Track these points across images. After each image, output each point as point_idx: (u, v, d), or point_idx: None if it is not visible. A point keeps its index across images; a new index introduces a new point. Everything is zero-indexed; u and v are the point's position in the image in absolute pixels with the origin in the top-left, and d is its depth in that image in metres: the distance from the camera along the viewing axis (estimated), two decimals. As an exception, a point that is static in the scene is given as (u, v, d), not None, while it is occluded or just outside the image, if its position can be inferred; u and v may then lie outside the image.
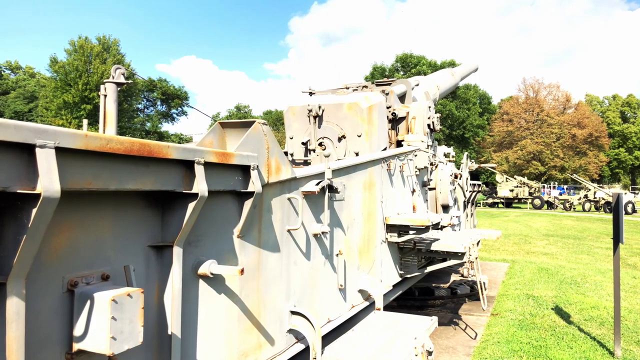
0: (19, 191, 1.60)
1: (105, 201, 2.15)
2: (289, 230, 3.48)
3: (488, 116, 68.00)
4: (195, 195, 2.37)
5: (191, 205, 2.37)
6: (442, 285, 8.96)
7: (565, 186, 63.34)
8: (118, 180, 2.00)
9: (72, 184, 1.80)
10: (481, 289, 6.97)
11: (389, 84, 8.43)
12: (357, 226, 4.78)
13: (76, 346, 1.97)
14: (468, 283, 9.30)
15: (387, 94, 7.46)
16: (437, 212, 7.94)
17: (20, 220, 1.65)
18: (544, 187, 56.50)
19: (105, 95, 4.80)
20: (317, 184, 3.69)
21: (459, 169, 11.15)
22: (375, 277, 5.26)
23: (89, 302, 1.94)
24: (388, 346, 3.69)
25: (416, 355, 3.64)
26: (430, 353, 4.03)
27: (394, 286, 6.24)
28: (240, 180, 2.80)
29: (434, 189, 7.90)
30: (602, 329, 7.07)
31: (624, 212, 6.11)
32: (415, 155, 6.91)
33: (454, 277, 9.74)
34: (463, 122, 60.81)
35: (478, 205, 50.06)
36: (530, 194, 48.62)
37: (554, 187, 58.37)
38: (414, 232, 5.77)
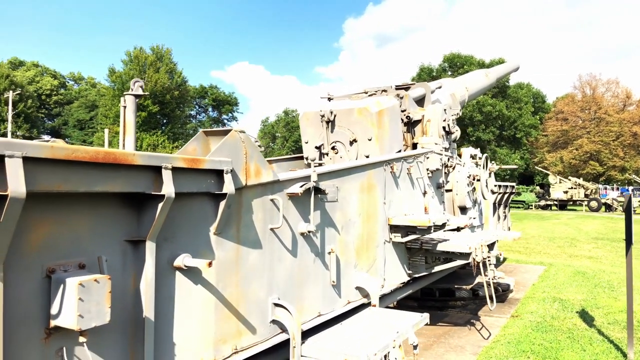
0: (-7, 193, 1.98)
1: (83, 201, 2.52)
2: (272, 229, 3.77)
3: (542, 115, 65.76)
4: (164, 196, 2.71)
5: (160, 205, 2.71)
6: (464, 286, 8.99)
7: (631, 187, 60.11)
8: (87, 183, 2.36)
9: (42, 187, 2.17)
10: (489, 289, 6.98)
11: (408, 88, 8.59)
12: (353, 226, 5.01)
13: (52, 323, 2.35)
14: (493, 285, 9.25)
15: (401, 98, 7.63)
16: (454, 214, 8.01)
17: (-6, 216, 2.03)
18: (605, 188, 53.96)
19: (125, 107, 5.27)
20: (302, 186, 3.97)
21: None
22: (377, 276, 5.47)
23: (62, 286, 2.32)
24: (368, 338, 3.91)
25: (394, 347, 3.84)
26: (415, 347, 4.21)
27: (403, 285, 6.42)
28: (213, 183, 3.12)
29: (451, 190, 7.97)
30: (625, 332, 6.91)
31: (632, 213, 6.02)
32: (427, 158, 7.04)
33: (479, 279, 9.71)
34: (514, 122, 59.07)
35: (530, 207, 48.59)
36: (586, 195, 46.62)
37: (617, 188, 55.57)
38: (419, 233, 5.92)
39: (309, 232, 4.13)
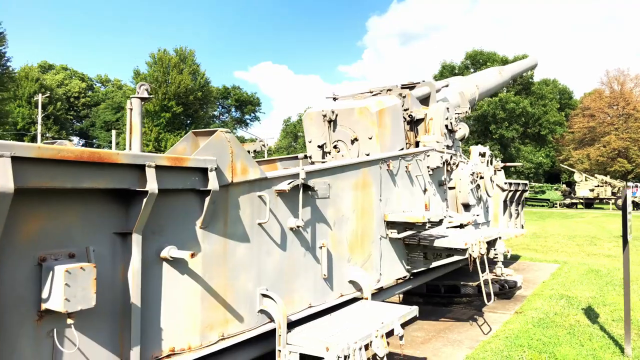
0: (-16, 188, 2.24)
1: (74, 196, 2.77)
2: (260, 224, 3.98)
3: (568, 112, 64.50)
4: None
5: (144, 200, 2.95)
6: (470, 283, 9.04)
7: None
8: (73, 180, 2.61)
9: (32, 184, 2.42)
10: (487, 285, 7.05)
11: (414, 87, 8.71)
12: (347, 222, 5.18)
13: (44, 306, 2.60)
14: (499, 282, 9.30)
15: (404, 97, 7.75)
16: (457, 211, 8.09)
17: (-14, 209, 2.29)
18: (636, 186, 52.59)
19: (131, 109, 5.54)
20: (289, 183, 4.17)
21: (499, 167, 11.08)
22: (372, 271, 5.63)
23: (51, 273, 2.57)
24: (353, 328, 4.09)
25: (376, 337, 4.00)
26: (400, 338, 4.37)
27: (404, 280, 6.57)
28: (198, 180, 3.35)
29: (454, 188, 8.06)
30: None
31: (630, 209, 6.05)
32: (428, 156, 7.15)
33: (486, 276, 9.74)
34: (539, 119, 58.03)
35: (554, 206, 47.76)
36: (613, 193, 45.58)
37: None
38: (415, 229, 6.04)
39: (298, 227, 4.33)
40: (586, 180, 47.67)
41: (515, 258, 14.24)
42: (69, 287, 2.53)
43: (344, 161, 5.31)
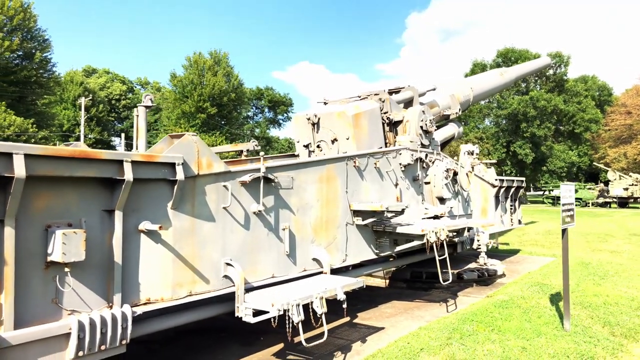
0: (6, 175, 3.36)
1: (73, 182, 3.88)
2: (224, 207, 5.03)
3: (607, 108, 63.10)
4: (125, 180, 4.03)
5: (123, 186, 4.03)
6: (450, 270, 9.84)
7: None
8: (69, 170, 3.72)
9: (39, 172, 3.54)
10: (444, 267, 7.86)
11: (399, 92, 9.60)
12: (311, 209, 6.17)
13: (49, 258, 3.71)
14: (480, 270, 10.06)
15: (383, 101, 8.67)
16: (433, 204, 8.93)
17: (8, 189, 3.41)
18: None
19: (138, 116, 6.68)
20: (250, 175, 5.20)
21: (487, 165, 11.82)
22: (337, 252, 6.59)
23: (54, 235, 3.68)
24: (299, 292, 5.08)
25: (316, 298, 4.99)
26: (343, 302, 5.33)
27: (371, 262, 7.52)
28: (168, 172, 4.42)
29: (429, 183, 8.90)
30: (580, 310, 7.60)
31: (571, 201, 6.81)
32: (400, 154, 8.05)
33: (472, 265, 10.51)
34: (573, 116, 57.10)
35: (587, 205, 47.10)
36: (648, 192, 44.57)
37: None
38: (377, 216, 6.96)
39: (260, 211, 5.35)
40: (620, 178, 46.78)
41: (515, 252, 14.85)
42: (65, 245, 3.63)
43: (307, 158, 6.30)
